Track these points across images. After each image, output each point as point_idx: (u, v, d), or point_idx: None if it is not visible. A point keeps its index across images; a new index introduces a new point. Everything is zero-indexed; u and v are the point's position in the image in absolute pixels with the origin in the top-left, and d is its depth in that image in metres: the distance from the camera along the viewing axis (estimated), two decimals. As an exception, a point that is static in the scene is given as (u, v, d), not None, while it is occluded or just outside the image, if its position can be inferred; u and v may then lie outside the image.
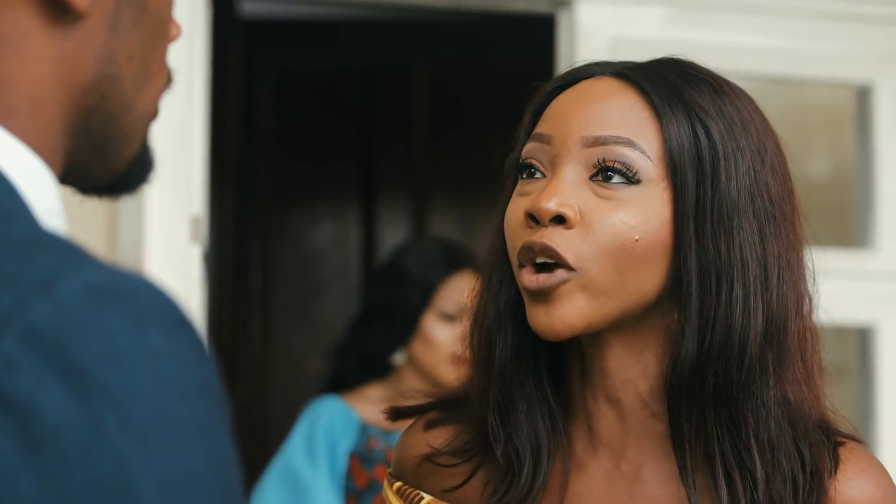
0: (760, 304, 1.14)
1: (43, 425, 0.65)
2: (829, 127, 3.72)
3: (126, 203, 2.61)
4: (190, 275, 2.71)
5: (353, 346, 2.87)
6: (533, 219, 1.14)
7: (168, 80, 0.87)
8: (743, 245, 1.13)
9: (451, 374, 2.61)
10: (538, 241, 1.12)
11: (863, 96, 3.07)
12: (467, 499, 1.23)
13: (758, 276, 1.13)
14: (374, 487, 2.72)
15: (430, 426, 1.28)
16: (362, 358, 2.84)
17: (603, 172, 1.13)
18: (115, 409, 0.66)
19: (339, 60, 4.95)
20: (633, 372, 1.18)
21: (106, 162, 0.84)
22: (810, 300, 1.21)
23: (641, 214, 1.13)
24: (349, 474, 2.75)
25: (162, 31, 0.84)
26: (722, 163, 1.13)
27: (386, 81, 4.93)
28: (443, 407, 1.29)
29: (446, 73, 4.85)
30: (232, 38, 4.03)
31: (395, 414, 1.30)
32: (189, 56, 2.68)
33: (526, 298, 1.16)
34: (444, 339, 2.76)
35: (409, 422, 1.31)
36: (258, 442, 4.34)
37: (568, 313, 1.12)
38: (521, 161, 1.19)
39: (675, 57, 1.21)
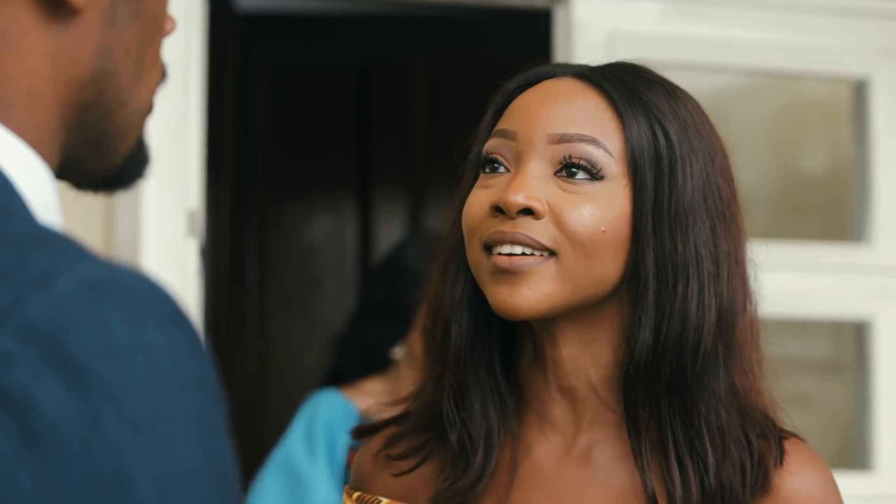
0: (714, 298, 1.19)
1: (40, 420, 0.65)
2: (825, 121, 3.72)
3: (122, 198, 2.60)
4: (186, 269, 2.71)
5: (352, 340, 2.87)
6: (499, 210, 1.17)
7: (163, 74, 0.87)
8: (697, 241, 1.19)
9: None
10: (510, 231, 1.16)
11: (859, 91, 3.07)
12: (420, 494, 1.26)
13: (711, 271, 1.19)
14: (372, 481, 2.72)
15: (387, 440, 1.30)
16: (362, 352, 2.84)
17: (567, 168, 1.18)
18: (112, 403, 0.66)
19: (335, 55, 4.95)
20: (585, 360, 1.22)
21: (102, 157, 0.84)
22: (753, 295, 1.25)
23: (605, 208, 1.17)
24: (348, 468, 2.75)
25: (157, 25, 0.84)
26: (679, 163, 1.19)
27: (382, 75, 4.93)
28: (402, 421, 1.31)
29: (442, 67, 4.85)
30: (228, 32, 4.03)
31: (359, 432, 1.33)
32: (186, 50, 2.68)
33: (488, 280, 1.18)
34: (442, 333, 2.76)
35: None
36: (255, 436, 4.35)
37: (532, 294, 1.16)
38: (484, 156, 1.22)
39: (630, 62, 1.27)
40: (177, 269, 2.69)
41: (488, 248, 1.18)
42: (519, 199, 1.16)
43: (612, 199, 1.17)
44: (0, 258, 0.68)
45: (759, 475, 1.19)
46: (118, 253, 2.65)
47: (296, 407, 2.83)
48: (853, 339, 3.10)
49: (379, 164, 4.94)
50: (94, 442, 0.65)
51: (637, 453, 1.20)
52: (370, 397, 2.77)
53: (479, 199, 1.20)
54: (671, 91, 1.23)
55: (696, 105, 1.24)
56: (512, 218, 1.16)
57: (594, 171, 1.17)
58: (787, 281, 2.92)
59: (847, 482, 3.03)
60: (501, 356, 1.25)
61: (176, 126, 2.67)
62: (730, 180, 1.23)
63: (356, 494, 1.31)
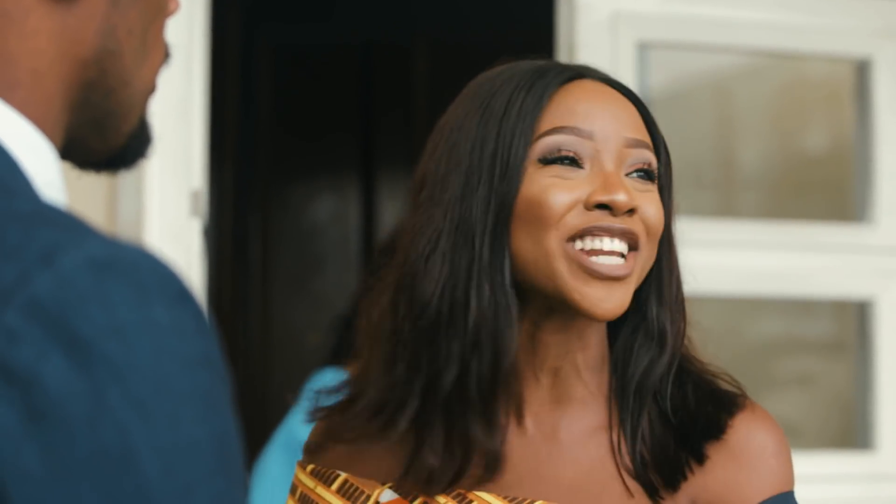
0: (679, 283, 1.30)
1: (46, 397, 0.65)
2: (827, 101, 3.72)
3: (126, 178, 2.61)
4: (190, 249, 2.72)
5: (355, 320, 2.87)
6: (602, 207, 1.22)
7: (166, 55, 0.87)
8: (675, 234, 1.30)
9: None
10: (618, 226, 1.22)
11: (862, 70, 3.07)
12: (379, 471, 1.28)
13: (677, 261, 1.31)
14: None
15: (344, 417, 1.31)
16: (364, 331, 2.84)
17: (637, 171, 1.25)
18: (117, 381, 0.66)
19: (338, 36, 4.94)
20: (574, 344, 1.26)
21: (105, 137, 0.84)
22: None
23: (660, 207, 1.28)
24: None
25: (160, 6, 0.84)
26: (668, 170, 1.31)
27: (385, 56, 4.92)
28: (356, 401, 1.31)
29: (444, 48, 4.84)
30: (232, 13, 4.03)
31: (312, 416, 1.34)
32: (189, 31, 2.68)
33: (571, 275, 1.21)
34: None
35: None
36: (259, 415, 4.36)
37: (625, 297, 1.22)
38: (559, 152, 1.23)
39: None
40: (180, 249, 2.69)
41: (572, 239, 1.21)
42: (628, 199, 1.22)
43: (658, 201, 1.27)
44: (5, 235, 0.69)
45: (713, 423, 1.24)
46: (122, 233, 2.65)
47: (299, 386, 2.84)
48: (855, 318, 3.10)
49: (382, 144, 4.93)
50: (99, 419, 0.66)
51: (611, 427, 1.26)
52: (373, 376, 2.77)
53: (561, 191, 1.22)
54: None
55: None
56: (616, 216, 1.22)
57: (652, 175, 1.26)
58: (790, 261, 2.93)
59: (849, 461, 3.04)
60: None
61: (179, 106, 2.67)
62: None
63: (310, 467, 1.33)
